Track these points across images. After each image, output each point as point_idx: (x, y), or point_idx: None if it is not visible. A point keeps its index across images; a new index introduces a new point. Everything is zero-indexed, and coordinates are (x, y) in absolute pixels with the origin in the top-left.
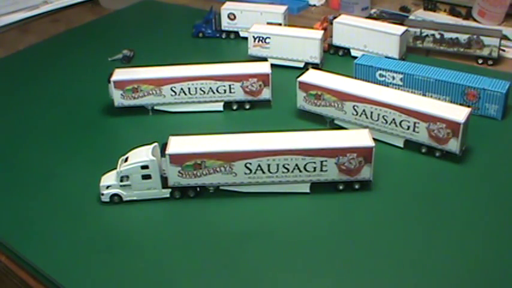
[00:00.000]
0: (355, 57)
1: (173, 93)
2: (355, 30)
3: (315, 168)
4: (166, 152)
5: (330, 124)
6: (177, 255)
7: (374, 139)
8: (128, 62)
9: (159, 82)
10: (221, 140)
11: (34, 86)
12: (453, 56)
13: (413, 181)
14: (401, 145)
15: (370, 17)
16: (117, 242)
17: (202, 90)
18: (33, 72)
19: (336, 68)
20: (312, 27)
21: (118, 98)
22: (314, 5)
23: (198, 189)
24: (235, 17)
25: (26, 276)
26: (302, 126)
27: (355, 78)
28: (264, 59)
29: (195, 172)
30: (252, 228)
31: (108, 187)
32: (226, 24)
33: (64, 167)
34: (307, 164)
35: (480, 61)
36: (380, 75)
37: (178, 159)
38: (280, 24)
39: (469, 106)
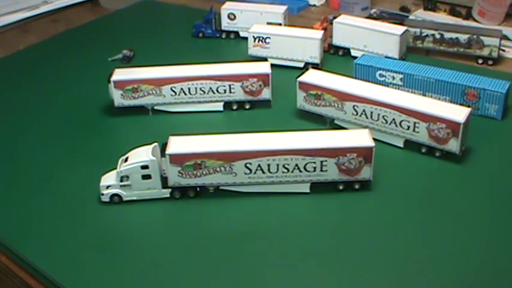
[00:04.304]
0: (355, 57)
1: (173, 93)
2: (355, 30)
3: (315, 168)
4: (166, 152)
5: (330, 124)
6: (176, 255)
7: (374, 139)
8: (127, 62)
9: (159, 82)
10: (221, 140)
11: (34, 86)
12: (453, 56)
13: (413, 181)
14: (401, 145)
15: (370, 17)
16: (117, 242)
17: (202, 90)
18: (33, 72)
19: (336, 68)
20: (312, 27)
21: (118, 98)
22: (314, 5)
23: (198, 189)
24: (235, 17)
25: (26, 276)
26: (302, 126)
27: (355, 78)
28: (264, 59)
29: (195, 172)
30: (252, 228)
31: (108, 187)
32: (226, 24)
33: (64, 167)
34: (307, 164)
35: (480, 61)
36: (380, 75)
37: (178, 159)
38: (280, 24)
39: (469, 106)
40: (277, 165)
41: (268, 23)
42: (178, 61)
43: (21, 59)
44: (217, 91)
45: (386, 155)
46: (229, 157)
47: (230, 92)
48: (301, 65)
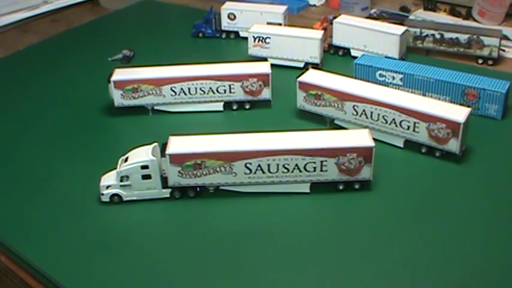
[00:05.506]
0: (355, 57)
1: (173, 93)
2: (355, 30)
3: (315, 168)
4: (166, 152)
5: (330, 124)
6: (177, 255)
7: (374, 139)
8: (127, 62)
9: (159, 82)
10: (221, 140)
11: (34, 86)
12: (453, 56)
13: (413, 181)
14: (401, 145)
15: (370, 17)
16: (117, 242)
17: (202, 90)
18: (33, 72)
19: (336, 68)
20: (312, 27)
21: (118, 98)
22: (314, 5)
23: (198, 189)
24: (235, 17)
25: (26, 276)
26: (302, 126)
27: (355, 78)
28: (264, 59)
29: (195, 172)
30: (252, 228)
31: (108, 187)
32: (226, 24)
33: (64, 167)
34: (307, 164)
35: (480, 61)
36: (380, 75)
37: (178, 159)
38: (280, 24)
39: (469, 106)
40: (277, 165)
41: (268, 23)
42: (178, 61)
43: (21, 59)
44: (217, 91)
45: (387, 155)
46: (229, 157)
47: (230, 92)
48: (301, 65)
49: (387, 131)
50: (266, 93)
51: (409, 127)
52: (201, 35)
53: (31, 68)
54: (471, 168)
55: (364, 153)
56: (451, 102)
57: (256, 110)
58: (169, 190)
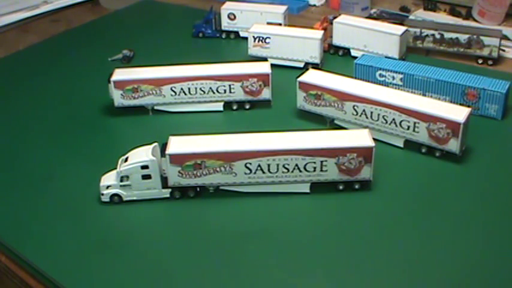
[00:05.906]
0: (355, 57)
1: (173, 93)
2: (355, 30)
3: (315, 168)
4: (166, 152)
5: (330, 124)
6: (177, 255)
7: (374, 139)
8: (127, 62)
9: (159, 82)
10: (221, 140)
11: (34, 86)
12: (453, 56)
13: (413, 181)
14: (401, 145)
15: (370, 17)
16: (117, 242)
17: (202, 90)
18: (33, 72)
19: (336, 68)
20: (312, 27)
21: (118, 98)
22: (314, 5)
23: (198, 189)
24: (235, 17)
25: (26, 276)
26: (302, 126)
27: (355, 78)
28: (264, 59)
29: (195, 172)
30: (252, 228)
31: (108, 187)
32: (226, 24)
33: (64, 167)
34: (307, 164)
35: (480, 61)
36: (380, 75)
37: (178, 159)
38: (280, 24)
39: (469, 106)
40: (277, 165)
41: (268, 23)
42: (178, 61)
43: (21, 59)
44: (217, 91)
45: (387, 155)
46: (229, 157)
47: (230, 92)
48: (301, 65)
49: (387, 131)
50: (266, 93)
51: (409, 127)
52: (201, 35)
53: (31, 68)
54: (471, 168)
55: (364, 153)
56: (451, 102)
57: (256, 110)
58: (169, 190)
